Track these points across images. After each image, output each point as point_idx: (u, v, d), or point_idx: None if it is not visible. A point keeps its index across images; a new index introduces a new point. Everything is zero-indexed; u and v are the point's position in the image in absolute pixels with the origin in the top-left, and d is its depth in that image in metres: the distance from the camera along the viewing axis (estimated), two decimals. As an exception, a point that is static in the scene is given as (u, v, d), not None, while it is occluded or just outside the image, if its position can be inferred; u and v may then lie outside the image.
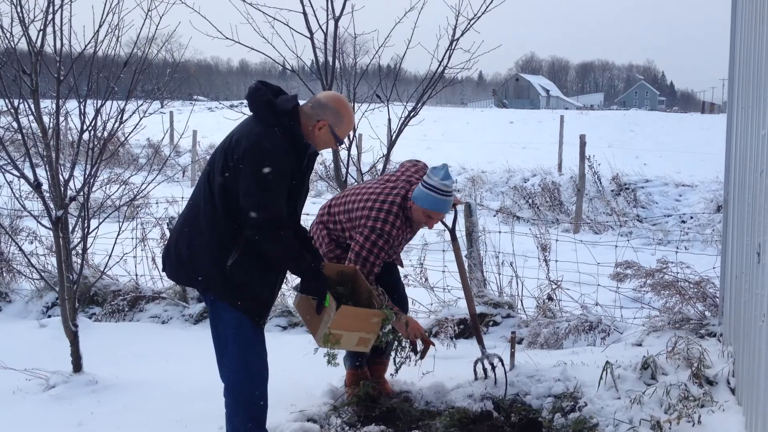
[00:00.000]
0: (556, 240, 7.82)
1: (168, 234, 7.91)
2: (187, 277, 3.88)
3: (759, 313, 3.80)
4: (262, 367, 3.81)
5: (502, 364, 5.03)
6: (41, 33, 5.08)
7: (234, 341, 3.74)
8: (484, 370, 5.12)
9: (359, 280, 4.29)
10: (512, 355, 5.27)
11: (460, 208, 5.43)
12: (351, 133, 6.36)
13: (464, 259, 7.14)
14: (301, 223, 4.04)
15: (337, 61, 6.40)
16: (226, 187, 3.60)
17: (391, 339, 4.31)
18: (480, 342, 5.19)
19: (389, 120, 6.65)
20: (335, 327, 3.86)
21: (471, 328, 5.82)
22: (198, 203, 3.74)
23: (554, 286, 7.05)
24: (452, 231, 5.20)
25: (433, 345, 4.76)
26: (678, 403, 4.48)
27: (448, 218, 5.29)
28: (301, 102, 3.86)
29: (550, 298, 7.01)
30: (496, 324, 6.87)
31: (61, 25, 5.14)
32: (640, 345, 5.70)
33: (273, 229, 3.55)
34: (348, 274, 4.31)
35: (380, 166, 6.83)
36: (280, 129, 3.61)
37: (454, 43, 6.23)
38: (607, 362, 4.85)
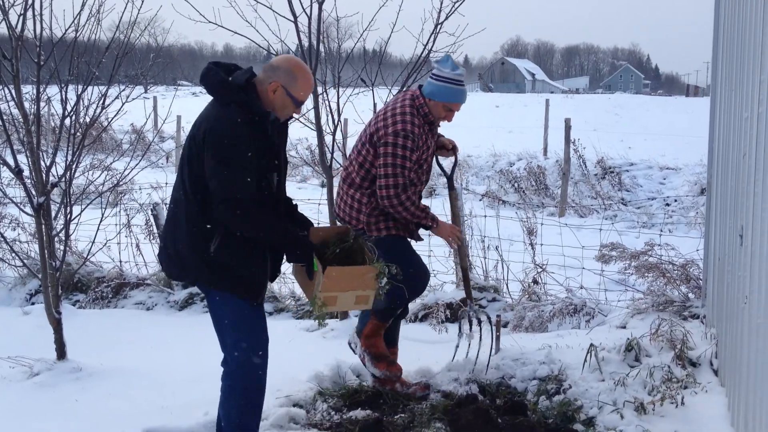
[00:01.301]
0: (541, 224, 7.85)
1: (152, 220, 7.89)
2: (178, 273, 3.85)
3: (741, 295, 3.83)
4: (263, 354, 3.75)
5: (489, 323, 5.04)
6: (21, 18, 5.01)
7: (233, 329, 3.70)
8: (470, 322, 5.09)
9: (357, 240, 4.16)
10: (497, 338, 5.29)
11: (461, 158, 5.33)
12: (337, 117, 6.34)
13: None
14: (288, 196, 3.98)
15: (321, 45, 6.36)
16: (196, 175, 3.55)
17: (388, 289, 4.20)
18: (469, 296, 5.15)
19: (374, 104, 6.61)
20: (326, 290, 3.78)
21: (461, 281, 5.77)
22: (176, 196, 3.71)
23: (539, 270, 7.08)
24: (450, 178, 5.04)
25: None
26: (661, 384, 4.52)
27: (447, 166, 5.24)
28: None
29: (535, 282, 7.04)
30: (481, 308, 6.87)
31: (41, 10, 5.08)
32: (624, 327, 5.73)
33: (241, 207, 3.47)
34: (343, 235, 4.16)
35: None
36: (237, 105, 3.53)
37: (439, 26, 6.20)
38: (591, 345, 4.88)
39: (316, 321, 4.18)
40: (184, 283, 7.37)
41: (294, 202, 4.05)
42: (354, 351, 4.97)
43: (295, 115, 4.01)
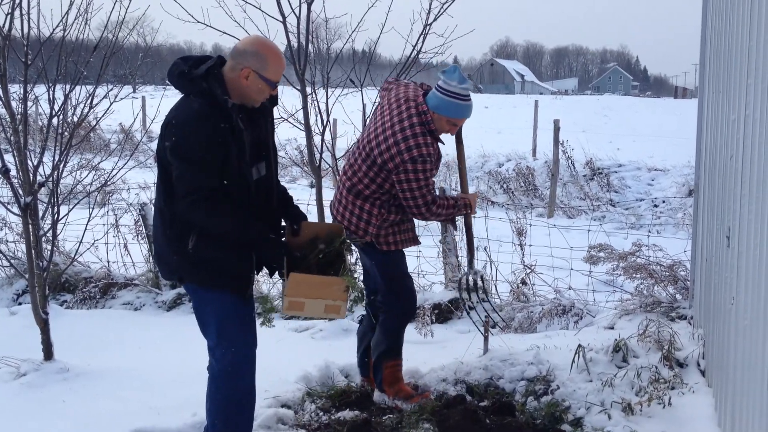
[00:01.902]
0: (530, 225, 7.86)
1: (140, 220, 7.86)
2: (166, 273, 3.77)
3: (728, 296, 3.85)
4: (248, 360, 3.66)
5: (483, 282, 4.99)
6: (8, 17, 4.98)
7: (217, 332, 3.61)
8: (468, 289, 4.97)
9: (343, 244, 4.02)
10: (486, 339, 5.29)
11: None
12: (326, 117, 6.34)
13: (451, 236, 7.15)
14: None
15: (310, 46, 6.36)
16: (165, 171, 3.45)
17: (355, 305, 4.14)
18: (471, 258, 4.96)
19: (363, 105, 6.61)
20: (291, 294, 3.66)
21: (450, 281, 5.68)
22: (156, 201, 3.65)
23: (528, 271, 7.09)
24: (458, 134, 4.74)
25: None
26: (649, 385, 4.53)
27: None
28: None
29: (524, 283, 7.05)
30: (471, 308, 6.88)
31: (29, 9, 5.06)
32: (612, 328, 5.75)
33: (198, 201, 3.33)
34: (336, 233, 4.03)
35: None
36: (197, 95, 3.40)
37: (428, 27, 6.21)
38: (579, 346, 4.89)
39: (264, 320, 4.02)
40: (174, 282, 7.36)
41: (289, 194, 3.95)
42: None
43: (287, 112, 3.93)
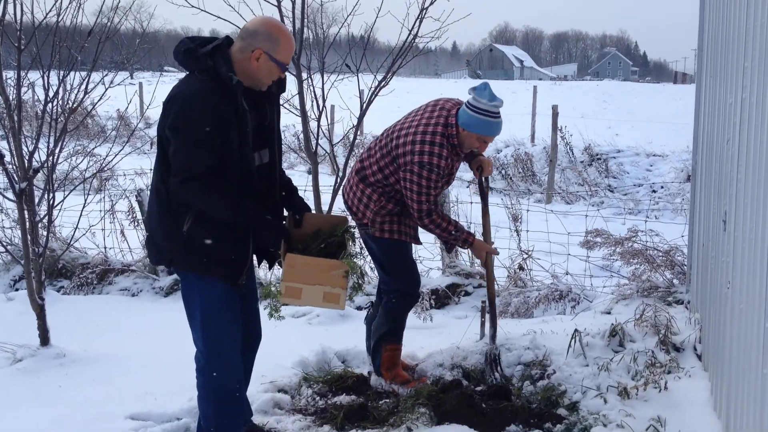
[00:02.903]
0: (527, 210, 7.85)
1: (136, 206, 7.85)
2: (156, 257, 3.63)
3: (725, 281, 3.84)
4: (233, 350, 3.59)
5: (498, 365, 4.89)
6: (2, 2, 4.95)
7: (203, 321, 3.52)
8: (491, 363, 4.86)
9: (345, 233, 3.94)
10: (482, 324, 5.29)
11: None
12: (321, 103, 6.31)
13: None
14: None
15: (306, 30, 6.32)
16: (165, 153, 3.37)
17: (356, 293, 4.08)
18: (494, 333, 4.90)
19: (360, 91, 6.58)
20: (288, 279, 3.57)
21: (447, 267, 5.68)
22: (153, 178, 3.56)
23: (525, 256, 7.09)
24: (484, 197, 4.92)
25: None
26: (645, 369, 4.54)
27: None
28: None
29: (521, 268, 7.06)
30: (467, 294, 6.90)
31: (22, -6, 5.02)
32: (609, 313, 5.75)
33: (192, 178, 3.24)
34: (339, 225, 3.95)
35: (351, 137, 6.79)
36: (201, 72, 3.32)
37: (424, 11, 6.17)
38: (576, 330, 4.89)
39: (270, 310, 3.91)
40: (166, 268, 7.35)
41: (294, 185, 3.87)
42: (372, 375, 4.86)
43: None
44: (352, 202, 4.63)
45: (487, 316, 5.01)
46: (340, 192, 4.77)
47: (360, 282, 3.95)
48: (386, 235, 4.56)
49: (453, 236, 4.59)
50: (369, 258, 4.90)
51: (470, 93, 4.45)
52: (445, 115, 4.44)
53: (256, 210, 3.45)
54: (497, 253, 4.90)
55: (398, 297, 4.68)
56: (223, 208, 3.36)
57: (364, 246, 4.71)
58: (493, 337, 4.89)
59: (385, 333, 4.73)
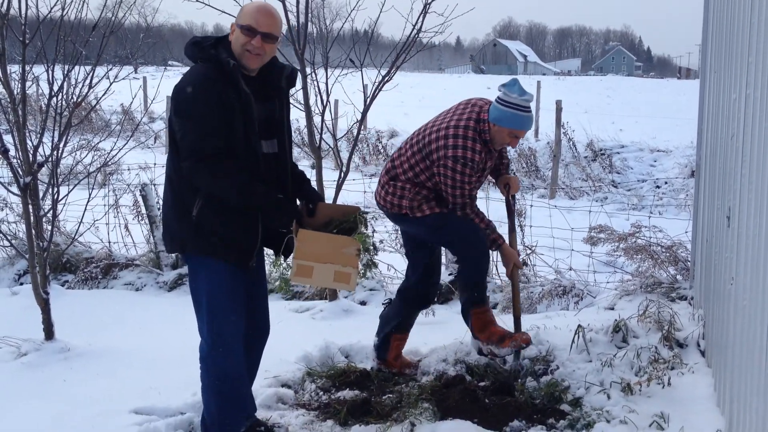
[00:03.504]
0: (531, 205, 7.85)
1: (140, 200, 7.86)
2: (169, 244, 3.72)
3: (728, 277, 3.84)
4: (235, 339, 3.64)
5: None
6: (6, -5, 4.96)
7: (207, 307, 3.58)
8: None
9: (357, 218, 3.90)
10: (486, 319, 5.29)
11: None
12: (326, 98, 6.30)
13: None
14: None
15: (310, 25, 6.31)
16: (173, 139, 3.47)
17: (369, 270, 3.98)
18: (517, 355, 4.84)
19: (364, 85, 6.57)
20: (300, 257, 3.57)
21: (450, 262, 5.69)
22: (166, 170, 3.62)
23: (529, 252, 7.09)
24: (511, 215, 5.03)
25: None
26: (648, 365, 4.54)
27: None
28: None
29: (524, 263, 7.04)
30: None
31: (27, -12, 5.02)
32: (613, 309, 5.76)
33: (202, 160, 3.34)
34: (352, 214, 3.90)
35: (355, 132, 6.79)
36: (204, 60, 3.45)
37: (428, 6, 6.15)
38: (579, 326, 4.89)
39: (279, 284, 3.86)
40: (176, 262, 7.37)
41: (306, 176, 3.90)
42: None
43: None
44: (385, 201, 4.68)
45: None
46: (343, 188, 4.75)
47: (372, 261, 3.90)
48: (427, 212, 4.61)
49: (487, 231, 4.67)
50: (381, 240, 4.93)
51: (500, 89, 4.53)
52: (477, 111, 4.55)
53: (267, 191, 3.51)
54: (522, 267, 4.94)
55: (475, 259, 4.67)
56: (233, 189, 3.42)
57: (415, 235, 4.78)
58: (518, 354, 4.81)
59: (469, 298, 4.75)
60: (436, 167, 4.47)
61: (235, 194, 3.43)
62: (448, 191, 4.49)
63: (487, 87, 39.93)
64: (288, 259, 3.90)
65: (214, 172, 3.38)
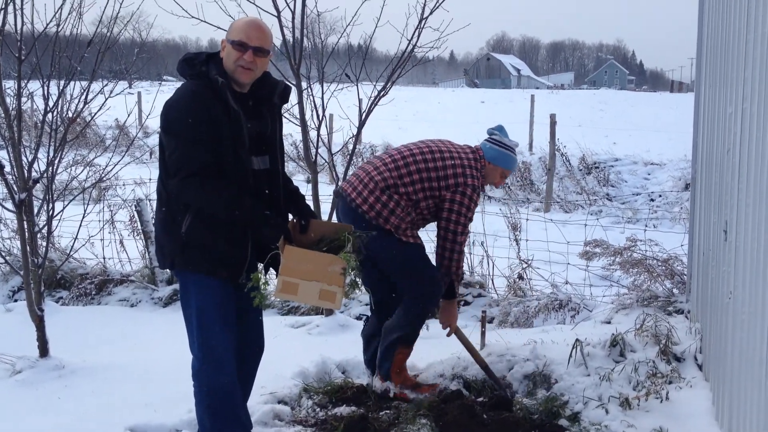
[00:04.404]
0: (527, 219, 7.85)
1: (136, 216, 7.84)
2: (161, 261, 3.71)
3: (726, 290, 3.84)
4: (226, 354, 3.61)
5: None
6: (2, 12, 4.95)
7: (197, 323, 3.57)
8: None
9: (349, 236, 3.85)
10: (483, 334, 5.29)
11: None
12: (321, 112, 6.30)
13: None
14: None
15: (305, 40, 6.32)
16: (164, 157, 3.49)
17: (353, 291, 3.90)
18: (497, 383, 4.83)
19: (359, 100, 6.58)
20: (286, 273, 3.53)
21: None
22: (157, 186, 3.64)
23: (525, 266, 7.08)
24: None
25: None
26: (646, 379, 4.53)
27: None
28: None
29: (520, 277, 7.05)
30: (467, 303, 6.89)
31: (22, 4, 5.02)
32: (609, 323, 5.74)
33: (190, 176, 3.33)
34: (343, 231, 3.86)
35: (351, 146, 6.79)
36: (193, 77, 3.46)
37: (423, 21, 6.17)
38: (577, 340, 4.88)
39: (258, 298, 3.80)
40: (170, 277, 7.34)
41: (300, 193, 3.90)
42: (374, 379, 4.83)
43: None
44: (372, 208, 4.50)
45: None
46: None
47: (357, 280, 3.86)
48: (411, 240, 4.60)
49: (456, 273, 4.70)
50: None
51: (490, 133, 4.80)
52: (474, 155, 4.70)
53: (254, 205, 3.49)
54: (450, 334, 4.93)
55: (425, 300, 4.66)
56: (220, 204, 3.41)
57: (380, 252, 4.54)
58: (508, 387, 4.82)
59: (402, 336, 4.70)
60: (451, 194, 4.51)
61: (222, 209, 3.43)
62: (461, 220, 4.53)
63: (481, 101, 40.08)
64: (269, 275, 3.90)
65: (202, 187, 3.37)
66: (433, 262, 4.71)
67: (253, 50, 3.47)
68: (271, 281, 3.96)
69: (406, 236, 4.58)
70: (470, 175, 4.55)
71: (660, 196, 13.82)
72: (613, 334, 5.01)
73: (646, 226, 8.84)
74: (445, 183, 4.52)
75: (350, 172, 6.52)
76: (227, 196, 3.41)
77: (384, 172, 4.57)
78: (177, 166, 3.38)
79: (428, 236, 4.82)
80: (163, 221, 3.57)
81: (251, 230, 3.58)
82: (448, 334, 4.91)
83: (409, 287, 4.65)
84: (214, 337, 3.59)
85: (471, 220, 4.63)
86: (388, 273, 4.72)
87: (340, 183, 6.23)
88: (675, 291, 6.01)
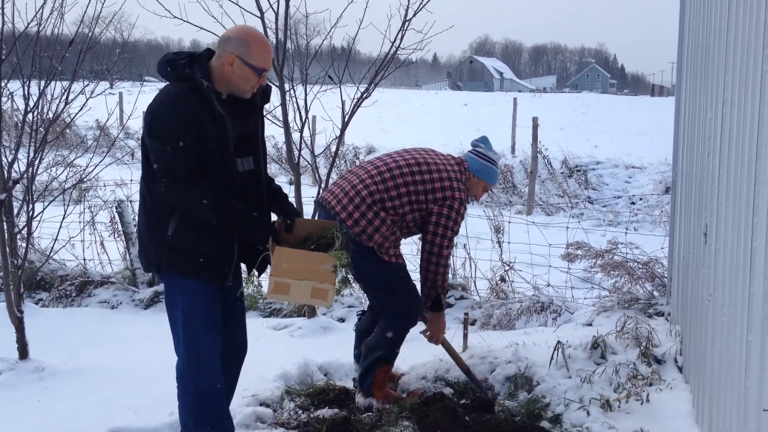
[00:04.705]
0: (509, 222, 7.88)
1: (117, 217, 7.79)
2: (146, 264, 3.68)
3: (705, 293, 3.87)
4: (212, 357, 3.61)
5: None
6: (-18, 11, 4.91)
7: (183, 326, 3.55)
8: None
9: (335, 234, 3.81)
10: (465, 336, 5.30)
11: None
12: (304, 114, 6.30)
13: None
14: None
15: (288, 42, 6.31)
16: (146, 158, 3.46)
17: (344, 287, 3.90)
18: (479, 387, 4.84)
19: (342, 102, 6.58)
20: (277, 274, 3.52)
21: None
22: (140, 189, 3.61)
23: (507, 268, 7.11)
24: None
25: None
26: (627, 381, 4.56)
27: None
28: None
29: (502, 280, 7.07)
30: (449, 306, 6.89)
31: (3, 3, 4.99)
32: (591, 325, 5.78)
33: (177, 180, 3.32)
34: (328, 230, 3.82)
35: (334, 148, 6.78)
36: (179, 80, 3.41)
37: (407, 23, 6.18)
38: (558, 342, 4.90)
39: (249, 299, 3.77)
40: (152, 279, 7.30)
41: (284, 192, 3.87)
42: (357, 396, 4.73)
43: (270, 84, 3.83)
44: (357, 224, 4.37)
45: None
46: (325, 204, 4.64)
47: (349, 277, 3.86)
48: (393, 260, 4.51)
49: (442, 286, 4.63)
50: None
51: (475, 145, 4.75)
52: (459, 167, 4.62)
53: (242, 208, 3.49)
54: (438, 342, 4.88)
55: (402, 319, 4.58)
56: (208, 207, 3.40)
57: (361, 270, 4.35)
58: (489, 390, 4.83)
59: (381, 356, 4.63)
60: (439, 207, 4.44)
61: (209, 212, 3.41)
62: (448, 234, 4.47)
63: (464, 103, 40.14)
64: (261, 276, 3.89)
65: (189, 191, 3.36)
66: (414, 280, 4.67)
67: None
68: (263, 282, 3.95)
69: (389, 255, 4.49)
70: (457, 188, 4.48)
71: (641, 199, 13.91)
72: (594, 337, 5.04)
73: (627, 229, 8.91)
74: (433, 197, 4.44)
75: (333, 175, 6.52)
76: (216, 201, 3.40)
77: (370, 185, 4.43)
78: (164, 171, 3.35)
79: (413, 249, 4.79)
80: (148, 224, 3.54)
81: (239, 232, 3.56)
82: (436, 344, 4.85)
83: (391, 305, 4.57)
84: (200, 339, 3.57)
85: (457, 233, 4.58)
86: (367, 290, 4.69)
87: (322, 186, 6.23)
88: (655, 293, 6.06)
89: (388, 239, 4.45)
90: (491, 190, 14.54)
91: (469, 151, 4.75)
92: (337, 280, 3.70)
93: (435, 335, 4.79)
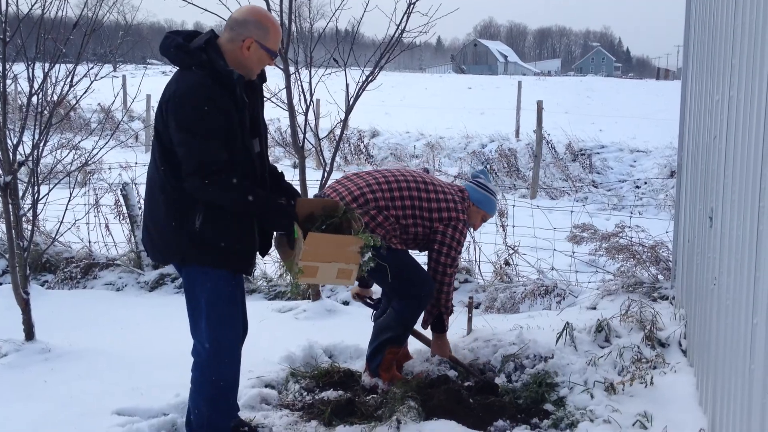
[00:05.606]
0: (513, 206, 7.87)
1: (121, 200, 7.81)
2: (163, 256, 3.66)
3: (710, 277, 3.87)
4: (236, 346, 3.63)
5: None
6: (-14, -7, 4.90)
7: (207, 315, 3.53)
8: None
9: (345, 215, 3.87)
10: (469, 319, 5.31)
11: None
12: (309, 97, 6.29)
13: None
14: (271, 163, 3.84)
15: (293, 24, 6.29)
16: (166, 149, 3.38)
17: (372, 267, 3.89)
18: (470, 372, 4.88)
19: (347, 85, 6.56)
20: (306, 258, 3.56)
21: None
22: (151, 176, 3.53)
23: (511, 251, 7.11)
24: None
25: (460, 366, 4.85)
26: (631, 364, 4.57)
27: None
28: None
29: (507, 263, 7.08)
30: (454, 289, 6.90)
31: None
32: (595, 308, 5.78)
33: (209, 174, 3.27)
34: (332, 207, 3.87)
35: (338, 131, 6.78)
36: (198, 67, 3.34)
37: (412, 6, 6.15)
38: (567, 323, 4.91)
39: (291, 287, 3.81)
40: (157, 264, 7.30)
41: (280, 171, 3.88)
42: (363, 375, 4.77)
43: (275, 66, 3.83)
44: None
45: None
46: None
47: (375, 254, 3.84)
48: (400, 246, 4.54)
49: (446, 306, 4.69)
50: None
51: (475, 176, 4.89)
52: (461, 195, 4.73)
53: (269, 197, 3.52)
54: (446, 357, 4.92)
55: (416, 301, 4.60)
56: (244, 200, 3.39)
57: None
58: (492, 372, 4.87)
59: (392, 337, 4.66)
60: (444, 226, 4.55)
61: (241, 205, 3.40)
62: (452, 253, 4.58)
63: (468, 87, 40.02)
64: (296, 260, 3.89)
65: (227, 184, 3.32)
66: (419, 264, 4.67)
67: None
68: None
69: (394, 243, 4.50)
70: (462, 210, 4.63)
71: (645, 183, 13.89)
72: (598, 320, 5.05)
73: (632, 212, 8.91)
74: (438, 215, 4.55)
75: (337, 158, 6.50)
76: (250, 192, 3.39)
77: (377, 191, 4.49)
78: (198, 164, 3.28)
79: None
80: (167, 217, 3.44)
81: (264, 220, 3.58)
82: (446, 356, 4.90)
83: (401, 289, 4.59)
84: (225, 330, 3.57)
85: (460, 253, 4.71)
86: (382, 281, 4.66)
87: (326, 169, 6.22)
88: (660, 277, 6.06)
89: (389, 233, 4.49)
90: (495, 172, 14.54)
91: (470, 182, 4.88)
92: (362, 260, 3.74)
93: (440, 355, 4.87)
